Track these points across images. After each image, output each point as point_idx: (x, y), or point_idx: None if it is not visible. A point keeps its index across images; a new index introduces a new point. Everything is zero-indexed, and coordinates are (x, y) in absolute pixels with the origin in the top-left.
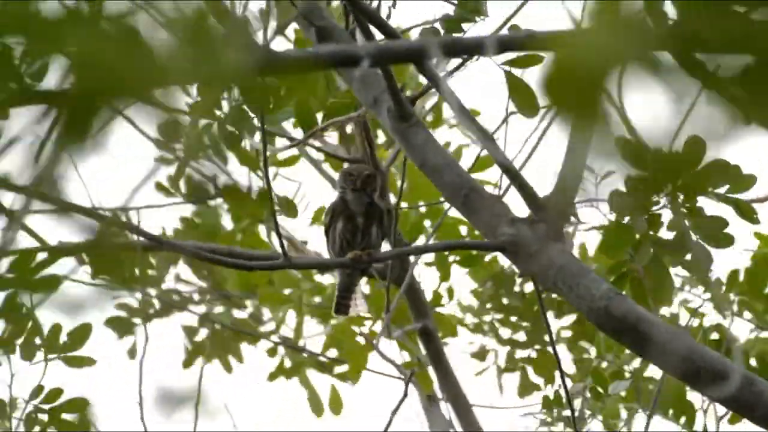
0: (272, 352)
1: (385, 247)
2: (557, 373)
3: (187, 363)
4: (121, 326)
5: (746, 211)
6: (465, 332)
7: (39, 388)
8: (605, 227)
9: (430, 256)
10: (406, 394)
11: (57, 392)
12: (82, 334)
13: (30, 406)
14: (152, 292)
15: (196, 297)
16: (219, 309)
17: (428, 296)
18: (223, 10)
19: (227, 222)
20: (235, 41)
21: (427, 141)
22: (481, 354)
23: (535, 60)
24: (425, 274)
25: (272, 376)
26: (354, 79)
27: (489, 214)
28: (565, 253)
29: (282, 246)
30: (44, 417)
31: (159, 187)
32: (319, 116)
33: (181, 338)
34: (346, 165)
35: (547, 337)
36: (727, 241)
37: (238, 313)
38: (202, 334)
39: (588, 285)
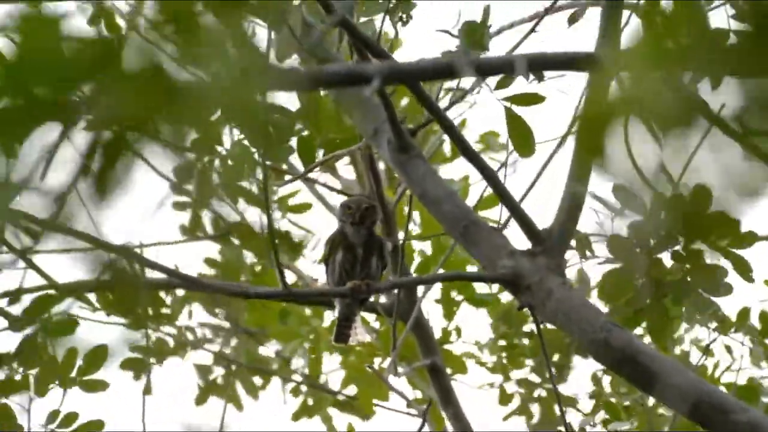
0: (295, 392)
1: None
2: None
3: (200, 400)
4: (136, 367)
5: (742, 268)
6: (474, 368)
7: (55, 413)
8: (604, 274)
9: (438, 294)
10: (422, 427)
11: (73, 417)
12: (97, 357)
13: (47, 431)
14: (166, 329)
15: (209, 335)
16: (232, 346)
17: (438, 334)
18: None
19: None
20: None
21: (426, 173)
22: (505, 398)
23: (536, 99)
24: (434, 312)
25: (296, 416)
26: (354, 110)
27: (488, 246)
28: (564, 286)
29: (282, 277)
30: None
31: (183, 229)
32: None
33: (194, 376)
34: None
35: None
36: (726, 290)
37: (263, 350)
38: (217, 372)
39: (587, 317)
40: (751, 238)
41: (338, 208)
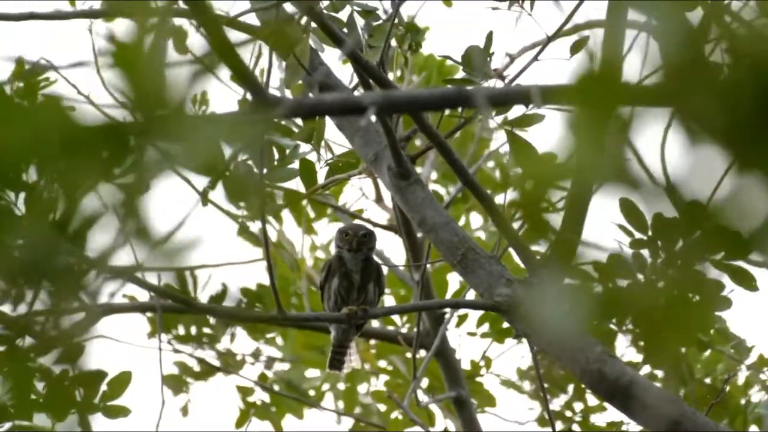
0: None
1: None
2: None
3: (240, 422)
4: (176, 384)
5: (743, 278)
6: (503, 402)
7: None
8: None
9: (472, 326)
10: None
11: None
12: (121, 383)
13: None
14: (208, 351)
15: (250, 359)
16: (274, 371)
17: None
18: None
19: None
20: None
21: (425, 199)
22: (544, 423)
23: (536, 119)
24: (465, 344)
25: None
26: (355, 136)
27: (486, 273)
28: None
29: (277, 299)
30: None
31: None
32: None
33: (233, 398)
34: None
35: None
36: (725, 304)
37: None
38: (257, 395)
39: (582, 347)
40: (747, 248)
41: (336, 233)
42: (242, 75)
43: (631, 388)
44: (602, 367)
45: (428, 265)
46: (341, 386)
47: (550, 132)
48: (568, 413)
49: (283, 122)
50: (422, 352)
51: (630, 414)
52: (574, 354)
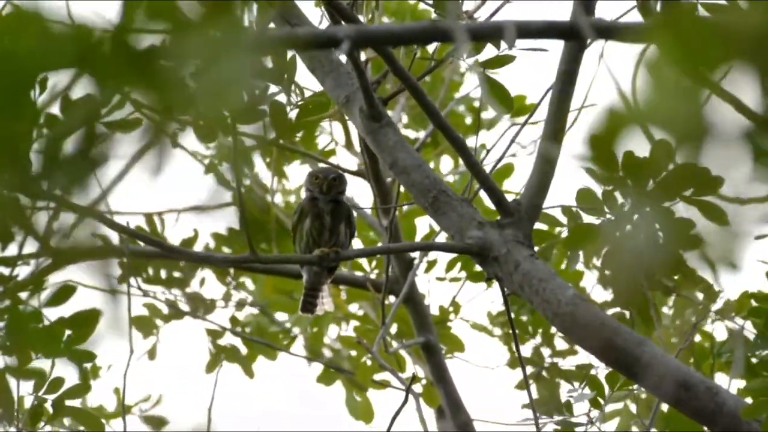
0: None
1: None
2: None
3: (210, 367)
4: (144, 326)
5: (713, 213)
6: (472, 348)
7: (40, 380)
8: (570, 229)
9: (441, 272)
10: (406, 401)
11: (59, 382)
12: (87, 325)
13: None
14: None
15: (221, 303)
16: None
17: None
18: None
19: None
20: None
21: (397, 142)
22: (514, 364)
23: (507, 59)
24: (435, 289)
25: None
26: (327, 78)
27: (457, 216)
28: (531, 258)
29: (250, 242)
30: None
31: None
32: None
33: (200, 342)
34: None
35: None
36: (695, 243)
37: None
38: (227, 339)
39: (554, 290)
40: (717, 183)
41: (306, 177)
42: None
43: (602, 332)
44: (575, 311)
45: (396, 210)
46: (310, 329)
47: (521, 73)
48: (538, 358)
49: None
50: (392, 298)
51: (603, 358)
52: (546, 296)
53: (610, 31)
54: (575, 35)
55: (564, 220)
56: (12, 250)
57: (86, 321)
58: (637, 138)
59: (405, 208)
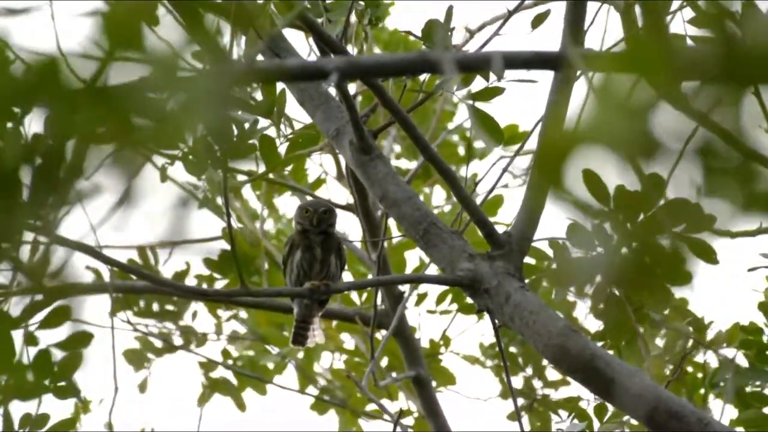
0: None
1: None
2: None
3: (202, 399)
4: (137, 359)
5: (703, 251)
6: (463, 380)
7: (27, 417)
8: (559, 260)
9: (431, 305)
10: None
11: (45, 418)
12: (72, 363)
13: None
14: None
15: (213, 336)
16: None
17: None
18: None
19: None
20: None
21: (387, 174)
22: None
23: (496, 91)
24: (425, 323)
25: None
26: (317, 111)
27: (448, 248)
28: (522, 290)
29: (240, 275)
30: None
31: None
32: None
33: (192, 376)
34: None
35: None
36: (685, 278)
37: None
38: (219, 371)
39: (545, 322)
40: (710, 221)
41: (296, 210)
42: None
43: (593, 363)
44: (564, 342)
45: (385, 244)
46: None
47: (511, 104)
48: (529, 390)
49: (240, 95)
50: (382, 332)
51: (593, 389)
52: (536, 328)
53: (596, 61)
54: (562, 65)
55: (551, 253)
56: None
57: (79, 343)
58: (586, 159)
59: (395, 241)
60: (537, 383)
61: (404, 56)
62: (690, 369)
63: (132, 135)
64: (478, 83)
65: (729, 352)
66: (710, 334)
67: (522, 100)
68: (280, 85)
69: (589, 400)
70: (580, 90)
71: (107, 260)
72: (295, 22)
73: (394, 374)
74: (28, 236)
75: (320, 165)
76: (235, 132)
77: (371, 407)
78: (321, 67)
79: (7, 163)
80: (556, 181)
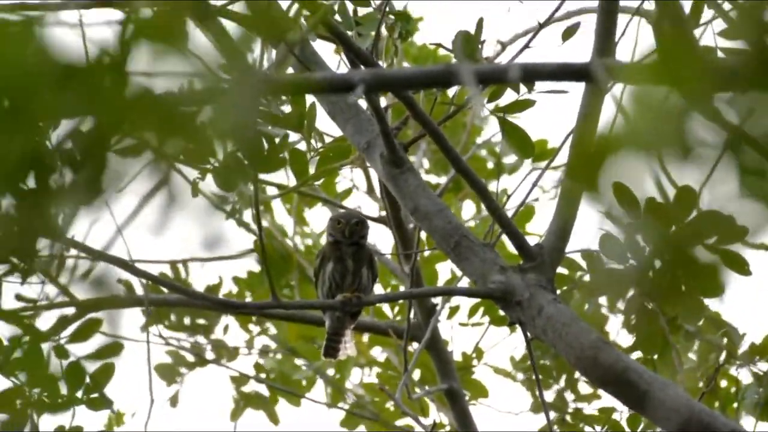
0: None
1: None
2: None
3: (235, 414)
4: (168, 373)
5: (736, 263)
6: (495, 394)
7: (60, 428)
8: (592, 271)
9: (463, 317)
10: None
11: (78, 430)
12: (104, 375)
13: None
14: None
15: (244, 349)
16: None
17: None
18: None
19: None
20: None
21: (418, 187)
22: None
23: (527, 104)
24: (457, 335)
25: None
26: (347, 124)
27: (479, 261)
28: (554, 302)
29: (272, 288)
30: None
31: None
32: None
33: (223, 389)
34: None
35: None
36: (718, 290)
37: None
38: (251, 385)
39: (577, 334)
40: (741, 232)
41: (328, 222)
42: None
43: (626, 375)
44: (597, 354)
45: (418, 256)
46: (331, 374)
47: (541, 119)
48: (561, 403)
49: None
50: (414, 345)
51: (626, 401)
52: (569, 341)
53: (626, 72)
54: (590, 77)
55: (584, 264)
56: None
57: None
58: (623, 165)
59: (426, 253)
60: (569, 396)
61: (429, 68)
62: (724, 383)
63: (167, 146)
64: (509, 96)
65: (762, 365)
66: (743, 347)
67: (552, 115)
68: (310, 99)
69: (622, 412)
70: (611, 102)
71: (141, 273)
72: (326, 35)
73: (426, 387)
74: (61, 248)
75: (351, 180)
76: (266, 146)
77: (403, 422)
78: (347, 79)
79: (40, 173)
80: (591, 184)
